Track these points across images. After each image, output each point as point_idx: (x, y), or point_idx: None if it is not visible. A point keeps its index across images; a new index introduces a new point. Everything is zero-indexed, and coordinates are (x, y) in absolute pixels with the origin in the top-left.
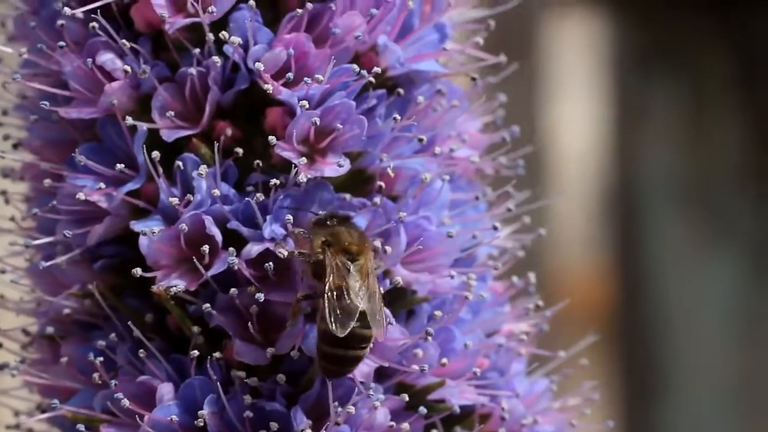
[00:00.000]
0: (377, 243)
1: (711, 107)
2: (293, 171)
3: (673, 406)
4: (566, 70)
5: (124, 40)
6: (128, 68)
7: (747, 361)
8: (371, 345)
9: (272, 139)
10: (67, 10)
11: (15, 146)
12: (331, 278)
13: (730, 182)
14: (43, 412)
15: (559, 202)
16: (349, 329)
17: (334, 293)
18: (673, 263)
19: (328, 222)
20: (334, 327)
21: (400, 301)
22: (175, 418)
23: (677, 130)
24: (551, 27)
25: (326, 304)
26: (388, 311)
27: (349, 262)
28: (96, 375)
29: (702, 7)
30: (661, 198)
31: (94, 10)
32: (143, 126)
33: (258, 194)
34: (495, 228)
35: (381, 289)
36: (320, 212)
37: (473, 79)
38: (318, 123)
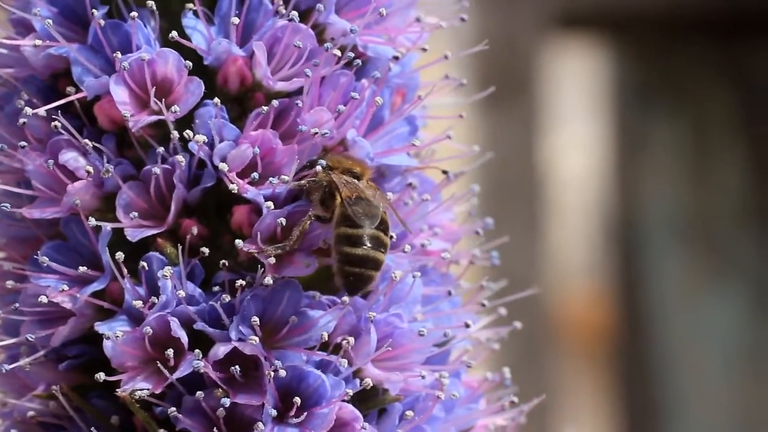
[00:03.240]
0: (346, 342)
1: (712, 141)
2: (260, 271)
3: None
4: (567, 102)
5: (86, 140)
6: (91, 169)
7: (748, 397)
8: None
9: (239, 242)
10: (28, 110)
11: None
12: (344, 191)
13: (732, 217)
14: None
15: (558, 233)
16: (373, 230)
17: (352, 199)
18: (674, 297)
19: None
20: (360, 220)
21: (371, 401)
22: None
23: (677, 163)
24: (552, 58)
25: (347, 208)
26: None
27: (355, 179)
28: None
29: (703, 42)
30: (662, 231)
31: (56, 108)
32: (107, 226)
33: (224, 295)
34: (467, 325)
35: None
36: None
37: (444, 172)
38: (284, 223)
